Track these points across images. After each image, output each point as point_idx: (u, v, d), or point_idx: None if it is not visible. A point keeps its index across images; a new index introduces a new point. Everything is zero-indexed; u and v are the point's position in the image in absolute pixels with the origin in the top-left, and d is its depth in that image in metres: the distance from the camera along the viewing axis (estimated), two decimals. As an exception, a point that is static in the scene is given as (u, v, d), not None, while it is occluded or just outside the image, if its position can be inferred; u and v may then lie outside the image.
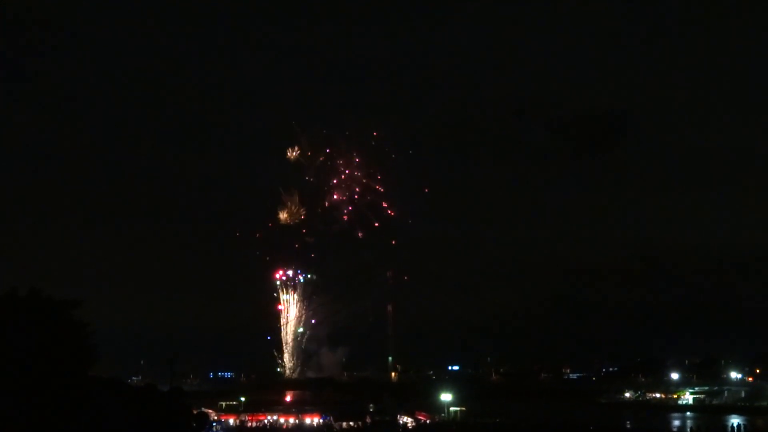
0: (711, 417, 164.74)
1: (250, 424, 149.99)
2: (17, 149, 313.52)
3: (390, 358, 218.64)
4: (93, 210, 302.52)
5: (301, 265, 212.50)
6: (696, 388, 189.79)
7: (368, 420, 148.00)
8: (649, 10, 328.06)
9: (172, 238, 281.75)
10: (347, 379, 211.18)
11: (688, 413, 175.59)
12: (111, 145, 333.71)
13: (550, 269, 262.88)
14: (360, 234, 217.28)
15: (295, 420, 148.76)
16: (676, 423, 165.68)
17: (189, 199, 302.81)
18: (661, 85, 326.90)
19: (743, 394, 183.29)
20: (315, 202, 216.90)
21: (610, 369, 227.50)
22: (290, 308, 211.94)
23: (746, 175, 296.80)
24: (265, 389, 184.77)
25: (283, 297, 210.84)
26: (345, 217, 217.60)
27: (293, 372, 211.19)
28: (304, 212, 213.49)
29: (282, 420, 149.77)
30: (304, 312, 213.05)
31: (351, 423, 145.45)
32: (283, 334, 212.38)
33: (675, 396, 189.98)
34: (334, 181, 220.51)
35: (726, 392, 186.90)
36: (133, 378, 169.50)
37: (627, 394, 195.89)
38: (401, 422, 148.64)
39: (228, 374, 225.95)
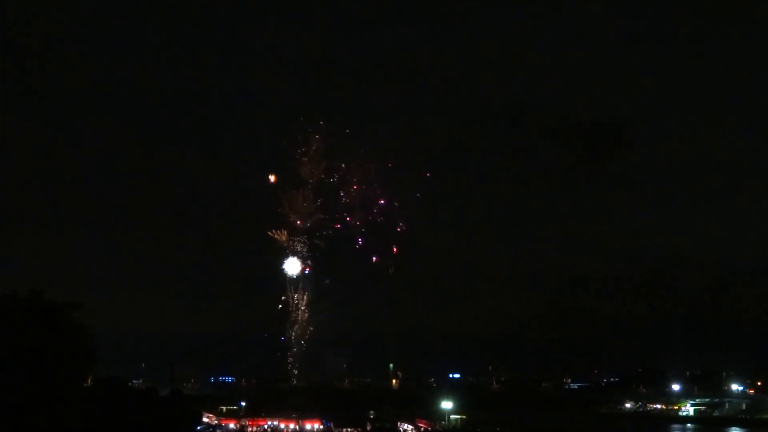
0: (712, 429, 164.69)
1: (250, 429, 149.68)
2: (18, 151, 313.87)
3: (391, 366, 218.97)
4: (95, 212, 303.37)
5: (306, 270, 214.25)
6: (697, 400, 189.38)
7: (368, 427, 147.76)
8: (649, 21, 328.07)
9: (174, 242, 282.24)
10: (348, 385, 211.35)
11: (689, 425, 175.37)
12: (112, 146, 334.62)
13: (552, 280, 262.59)
14: (360, 241, 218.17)
15: (295, 425, 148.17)
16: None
17: (191, 202, 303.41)
18: (662, 95, 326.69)
19: (744, 407, 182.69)
20: (314, 209, 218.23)
21: (611, 379, 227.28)
22: (294, 313, 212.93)
23: (747, 187, 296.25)
24: (265, 394, 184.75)
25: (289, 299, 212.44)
26: (341, 226, 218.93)
27: (294, 378, 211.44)
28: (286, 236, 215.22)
29: (282, 425, 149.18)
30: (306, 317, 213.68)
31: (351, 429, 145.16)
32: (285, 338, 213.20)
33: (676, 407, 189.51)
34: (334, 180, 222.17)
35: (727, 404, 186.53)
36: (134, 381, 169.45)
37: (627, 405, 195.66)
38: (401, 429, 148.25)
39: (229, 379, 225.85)
